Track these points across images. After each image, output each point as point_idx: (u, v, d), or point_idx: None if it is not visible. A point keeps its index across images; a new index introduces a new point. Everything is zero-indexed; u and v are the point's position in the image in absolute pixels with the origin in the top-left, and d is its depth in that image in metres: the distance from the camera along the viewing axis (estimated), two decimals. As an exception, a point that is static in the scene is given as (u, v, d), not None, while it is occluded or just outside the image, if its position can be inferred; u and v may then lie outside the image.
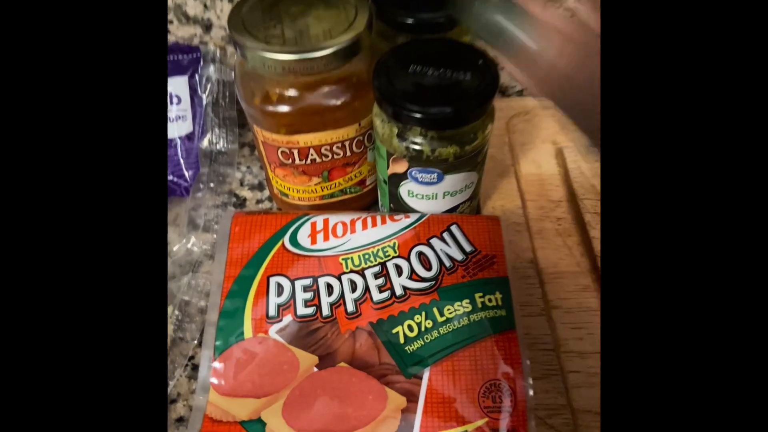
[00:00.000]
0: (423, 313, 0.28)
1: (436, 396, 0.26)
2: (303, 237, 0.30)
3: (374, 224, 0.31)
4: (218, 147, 0.41)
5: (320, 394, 0.26)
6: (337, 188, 0.36)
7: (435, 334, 0.27)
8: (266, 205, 0.42)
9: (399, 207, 0.34)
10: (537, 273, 0.35)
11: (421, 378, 0.26)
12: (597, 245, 0.36)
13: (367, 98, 0.31)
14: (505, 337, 0.27)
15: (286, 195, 0.37)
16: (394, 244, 0.30)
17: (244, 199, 0.42)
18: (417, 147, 0.29)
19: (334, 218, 0.31)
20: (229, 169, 0.41)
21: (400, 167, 0.31)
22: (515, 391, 0.26)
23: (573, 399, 0.30)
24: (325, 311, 0.28)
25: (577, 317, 0.33)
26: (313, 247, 0.30)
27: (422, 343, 0.27)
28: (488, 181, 0.40)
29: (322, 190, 0.36)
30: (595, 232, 0.36)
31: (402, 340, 0.27)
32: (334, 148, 0.33)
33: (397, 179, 0.32)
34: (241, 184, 0.43)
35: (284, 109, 0.31)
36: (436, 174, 0.31)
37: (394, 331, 0.28)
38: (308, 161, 0.34)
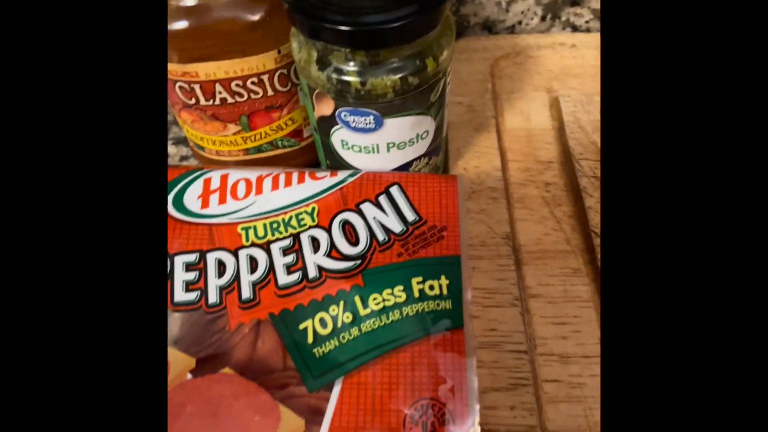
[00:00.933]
0: (341, 303, 0.21)
1: (345, 419, 0.19)
2: (191, 198, 0.23)
3: (288, 183, 0.23)
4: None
5: (190, 411, 0.19)
6: (264, 140, 0.29)
7: (355, 332, 0.20)
8: (192, 162, 0.34)
9: (336, 164, 0.26)
10: (513, 251, 0.28)
11: (330, 391, 0.19)
12: (594, 217, 0.28)
13: (285, 15, 0.23)
14: (447, 339, 0.20)
15: (202, 148, 0.30)
16: (313, 209, 0.23)
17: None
18: (342, 77, 0.21)
19: (235, 174, 0.23)
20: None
21: (326, 108, 0.23)
22: (456, 416, 0.19)
23: (547, 419, 0.23)
24: (212, 298, 0.21)
25: (562, 309, 0.26)
26: (204, 211, 0.22)
27: (337, 344, 0.20)
28: (462, 136, 0.32)
29: (245, 142, 0.28)
30: (592, 201, 0.28)
31: (310, 339, 0.20)
32: (249, 83, 0.25)
33: (326, 125, 0.24)
34: (164, 136, 0.35)
35: (171, 26, 0.23)
36: (372, 117, 0.23)
37: (301, 326, 0.20)
38: (217, 101, 0.26)
